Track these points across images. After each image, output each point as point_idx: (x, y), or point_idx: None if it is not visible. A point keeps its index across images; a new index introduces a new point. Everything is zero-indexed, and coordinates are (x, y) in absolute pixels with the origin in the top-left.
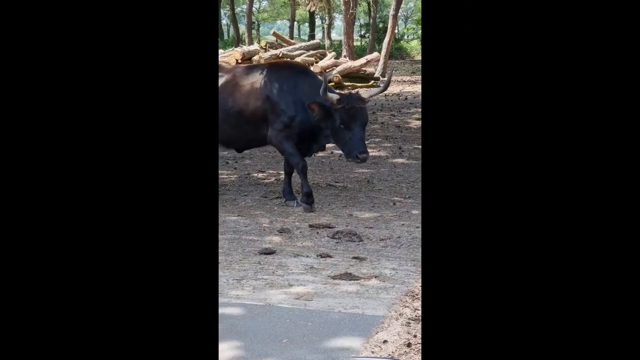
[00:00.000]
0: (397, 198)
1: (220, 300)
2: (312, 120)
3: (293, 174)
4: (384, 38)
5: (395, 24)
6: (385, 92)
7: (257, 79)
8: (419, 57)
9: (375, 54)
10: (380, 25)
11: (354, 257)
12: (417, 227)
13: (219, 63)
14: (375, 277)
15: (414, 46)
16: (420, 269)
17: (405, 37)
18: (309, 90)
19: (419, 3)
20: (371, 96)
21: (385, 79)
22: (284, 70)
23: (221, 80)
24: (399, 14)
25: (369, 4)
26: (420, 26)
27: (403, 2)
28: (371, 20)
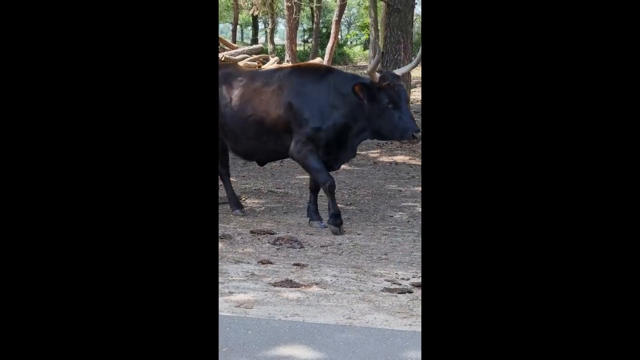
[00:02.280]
0: (338, 205)
1: None
2: (343, 122)
3: (320, 192)
4: (327, 43)
5: (338, 30)
6: None
7: (278, 84)
8: (362, 63)
9: (318, 59)
10: (324, 30)
11: (295, 264)
12: (359, 234)
13: (238, 66)
14: (316, 284)
15: (357, 52)
16: (361, 276)
17: (349, 42)
18: (336, 92)
19: (363, 9)
20: (403, 74)
21: (416, 57)
22: (307, 74)
23: (239, 86)
24: (342, 20)
25: (312, 9)
26: (363, 32)
27: (346, 8)
28: (314, 26)
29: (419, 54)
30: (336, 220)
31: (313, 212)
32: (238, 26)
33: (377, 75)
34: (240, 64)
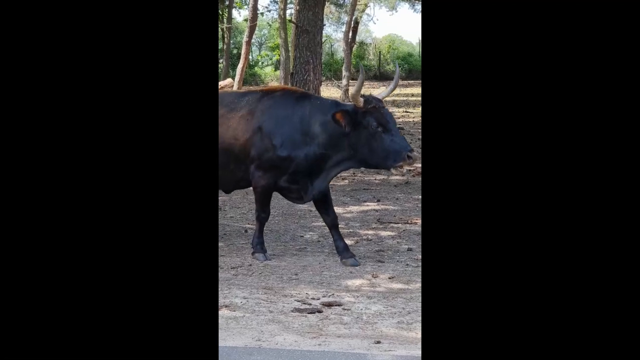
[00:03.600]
0: (248, 225)
1: None
2: (320, 152)
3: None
4: (238, 64)
5: (249, 51)
6: None
7: (248, 109)
8: (273, 83)
9: (229, 80)
10: (235, 51)
11: None
12: (271, 254)
13: None
14: (226, 306)
15: (268, 72)
16: (271, 297)
17: (260, 63)
18: (313, 119)
19: (273, 30)
20: (384, 98)
21: (394, 79)
22: (281, 98)
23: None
24: (253, 41)
25: (222, 30)
26: (274, 53)
27: (257, 29)
28: (225, 46)
29: (395, 79)
30: (262, 248)
31: (343, 250)
32: None
33: (361, 99)
34: None
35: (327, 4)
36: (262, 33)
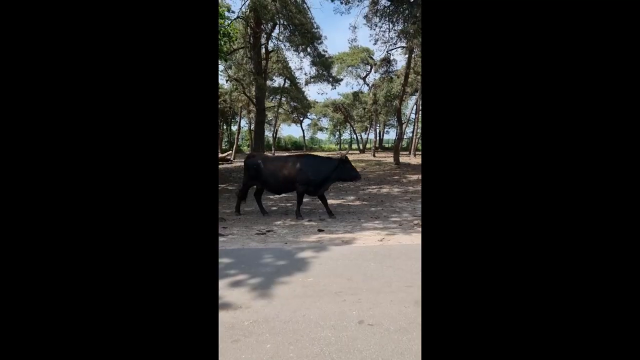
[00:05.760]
0: None
1: None
2: (324, 176)
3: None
4: None
5: None
6: None
7: (293, 161)
8: None
9: None
10: None
11: None
12: None
13: (266, 155)
14: None
15: None
16: None
17: None
18: (320, 163)
19: None
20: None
21: None
22: (305, 157)
23: (271, 163)
24: None
25: None
26: None
27: None
28: None
29: None
30: (301, 216)
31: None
32: None
33: (344, 154)
34: None
35: None
36: None
